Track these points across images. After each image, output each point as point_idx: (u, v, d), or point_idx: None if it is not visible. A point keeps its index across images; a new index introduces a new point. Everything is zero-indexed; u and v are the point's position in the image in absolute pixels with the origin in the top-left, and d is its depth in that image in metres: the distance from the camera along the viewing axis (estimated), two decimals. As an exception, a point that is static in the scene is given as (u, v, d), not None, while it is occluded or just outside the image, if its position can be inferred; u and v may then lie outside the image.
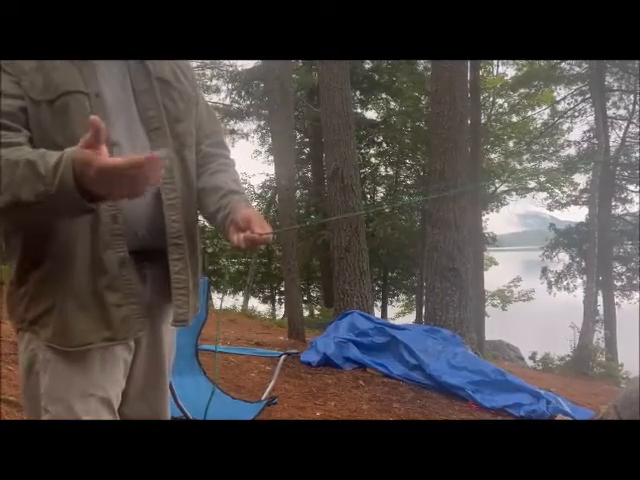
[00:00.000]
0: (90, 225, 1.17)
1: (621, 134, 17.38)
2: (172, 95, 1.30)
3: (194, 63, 19.20)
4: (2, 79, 1.10)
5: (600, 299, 15.88)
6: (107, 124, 1.15)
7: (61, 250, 1.17)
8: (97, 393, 1.20)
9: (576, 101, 17.83)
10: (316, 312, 17.18)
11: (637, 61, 13.72)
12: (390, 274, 18.67)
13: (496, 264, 21.59)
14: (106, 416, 1.20)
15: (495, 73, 18.99)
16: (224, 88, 19.08)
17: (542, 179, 20.50)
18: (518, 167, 20.34)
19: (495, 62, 18.48)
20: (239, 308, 15.54)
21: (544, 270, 18.52)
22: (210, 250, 16.55)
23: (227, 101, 19.23)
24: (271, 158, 17.56)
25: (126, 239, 1.21)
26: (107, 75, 1.18)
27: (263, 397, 4.17)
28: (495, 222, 42.55)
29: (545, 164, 20.13)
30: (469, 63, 10.02)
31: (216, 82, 19.65)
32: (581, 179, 19.25)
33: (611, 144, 16.90)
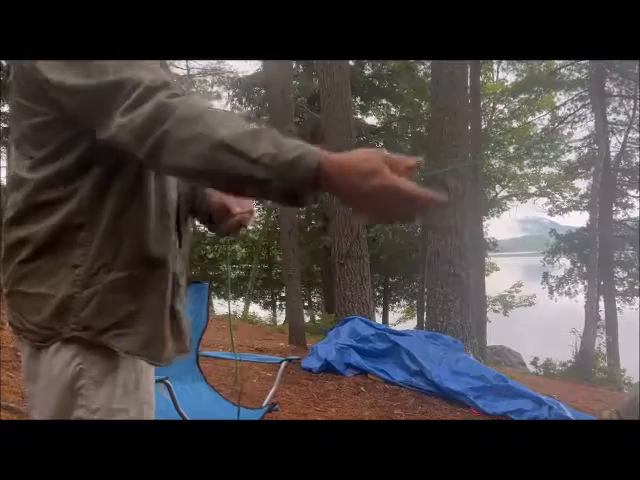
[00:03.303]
0: (168, 228, 1.13)
1: (621, 139, 17.42)
2: None
3: (196, 69, 19.30)
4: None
5: (601, 304, 15.85)
6: None
7: (143, 253, 1.08)
8: (149, 400, 1.17)
9: (576, 106, 17.88)
10: (317, 318, 17.15)
11: (637, 67, 13.74)
12: (391, 280, 18.65)
13: (497, 269, 21.59)
14: None
15: (495, 79, 19.07)
16: (225, 94, 19.14)
17: (543, 184, 20.55)
18: (518, 172, 20.38)
19: (495, 68, 18.56)
20: (240, 314, 15.53)
21: (545, 275, 18.52)
22: (211, 256, 16.56)
23: (228, 107, 19.28)
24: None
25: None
26: None
27: (264, 404, 4.15)
28: (496, 227, 42.85)
29: (545, 169, 20.20)
30: (469, 69, 10.05)
31: (217, 88, 19.74)
32: (582, 184, 19.30)
33: (611, 149, 16.93)
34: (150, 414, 1.18)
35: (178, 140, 0.89)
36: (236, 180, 0.89)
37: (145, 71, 0.95)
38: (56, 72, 0.99)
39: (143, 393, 1.15)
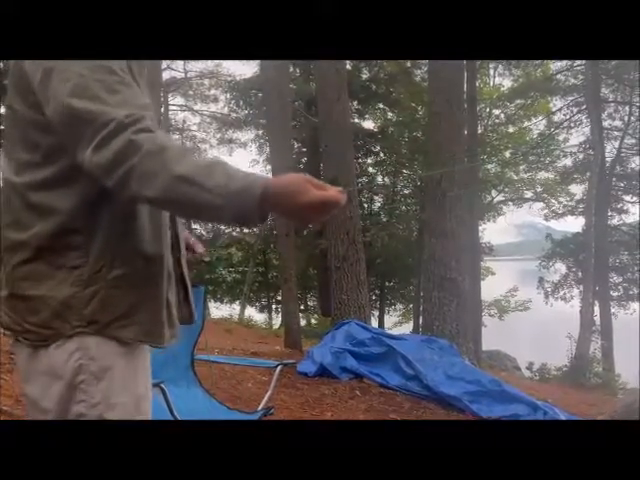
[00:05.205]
0: (161, 226, 1.20)
1: (617, 145, 17.47)
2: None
3: (193, 72, 19.30)
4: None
5: (597, 309, 15.87)
6: None
7: (139, 250, 1.15)
8: (146, 393, 1.21)
9: (572, 112, 17.91)
10: (313, 321, 17.13)
11: (632, 73, 13.80)
12: (387, 283, 18.64)
13: (493, 274, 21.58)
14: (149, 416, 1.22)
15: (492, 84, 19.12)
16: (222, 98, 19.17)
17: (539, 189, 20.59)
18: (514, 177, 20.41)
19: (492, 73, 18.62)
20: (235, 317, 15.49)
21: (541, 280, 18.51)
22: (207, 259, 16.53)
23: (225, 110, 19.32)
24: (269, 167, 17.57)
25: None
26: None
27: (259, 408, 4.14)
28: (492, 232, 42.71)
29: (541, 174, 20.24)
30: (466, 74, 10.08)
31: (214, 92, 19.76)
32: (577, 189, 19.35)
33: (607, 155, 16.99)
34: (147, 407, 1.21)
35: (143, 173, 1.00)
36: (196, 206, 1.03)
37: (122, 106, 1.02)
38: (45, 82, 1.03)
39: (141, 387, 1.20)
